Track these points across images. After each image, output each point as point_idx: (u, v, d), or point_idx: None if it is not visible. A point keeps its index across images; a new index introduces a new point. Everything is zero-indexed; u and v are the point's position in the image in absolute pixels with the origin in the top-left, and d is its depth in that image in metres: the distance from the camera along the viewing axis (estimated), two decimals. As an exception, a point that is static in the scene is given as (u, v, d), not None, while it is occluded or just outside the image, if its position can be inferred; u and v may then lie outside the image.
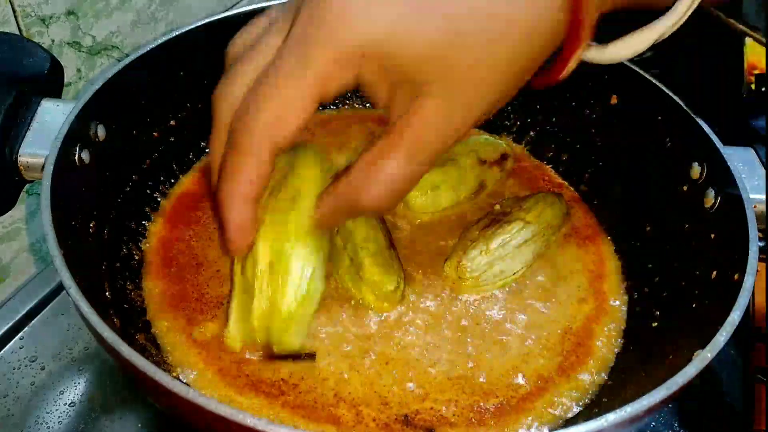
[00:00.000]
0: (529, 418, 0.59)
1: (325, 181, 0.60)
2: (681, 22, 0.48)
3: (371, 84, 0.44)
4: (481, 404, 0.59)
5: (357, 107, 0.91)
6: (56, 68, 0.66)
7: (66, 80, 0.72)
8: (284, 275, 0.57)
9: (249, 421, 0.42)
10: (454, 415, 0.58)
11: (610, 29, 0.49)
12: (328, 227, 0.56)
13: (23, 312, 0.78)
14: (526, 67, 0.45)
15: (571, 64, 0.46)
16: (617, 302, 0.70)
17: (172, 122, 0.78)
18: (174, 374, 0.60)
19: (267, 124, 0.44)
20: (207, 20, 0.76)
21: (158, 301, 0.66)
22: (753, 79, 0.88)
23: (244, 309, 0.59)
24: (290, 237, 0.57)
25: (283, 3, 0.48)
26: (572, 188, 0.82)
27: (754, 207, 0.59)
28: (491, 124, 0.88)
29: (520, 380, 0.61)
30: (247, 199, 0.47)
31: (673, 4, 0.47)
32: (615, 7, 0.46)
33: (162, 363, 0.61)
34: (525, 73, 0.45)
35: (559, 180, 0.83)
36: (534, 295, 0.69)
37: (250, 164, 0.45)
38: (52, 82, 0.66)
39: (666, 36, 0.49)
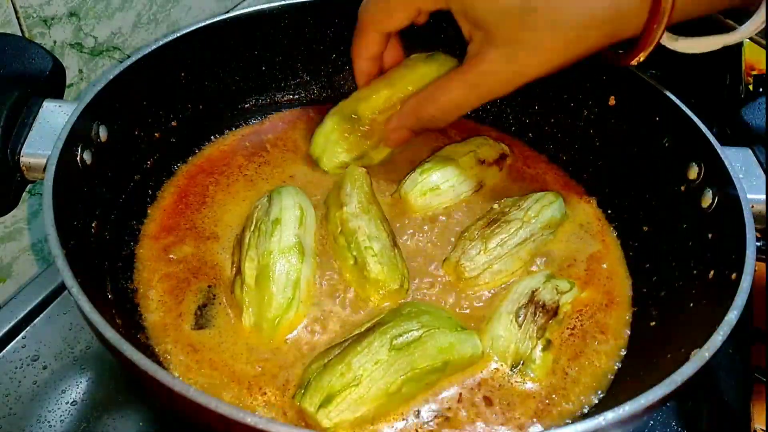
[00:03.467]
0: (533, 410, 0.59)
1: (303, 209, 0.68)
2: (744, 38, 0.53)
3: (457, 18, 0.55)
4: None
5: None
6: (58, 69, 0.67)
7: (68, 81, 0.72)
8: (269, 285, 0.62)
9: (249, 419, 0.43)
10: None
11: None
12: (396, 143, 0.73)
13: (25, 311, 0.79)
14: (592, 46, 0.50)
15: (647, 51, 0.51)
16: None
17: (173, 123, 0.78)
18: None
19: (376, 17, 0.65)
20: (208, 21, 0.77)
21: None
22: (751, 79, 0.88)
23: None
24: (273, 252, 0.64)
25: None
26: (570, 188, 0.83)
27: (752, 207, 0.60)
28: (490, 123, 0.89)
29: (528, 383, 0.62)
30: (363, 56, 0.71)
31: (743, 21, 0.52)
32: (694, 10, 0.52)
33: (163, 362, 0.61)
34: (589, 50, 0.51)
35: (560, 180, 0.83)
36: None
37: (365, 39, 0.68)
38: (54, 83, 0.66)
39: (729, 44, 0.55)
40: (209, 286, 0.67)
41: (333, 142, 0.77)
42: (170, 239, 0.71)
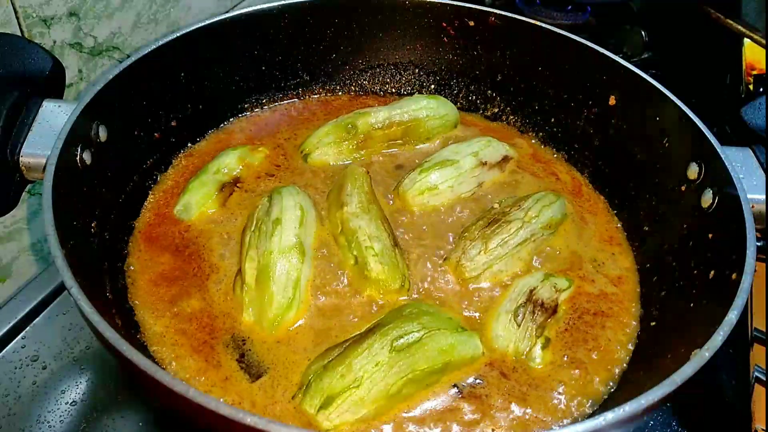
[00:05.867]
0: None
1: (303, 209, 0.68)
2: None
3: None
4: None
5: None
6: (58, 69, 0.67)
7: (67, 81, 0.72)
8: (269, 284, 0.62)
9: (249, 420, 0.43)
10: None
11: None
12: None
13: (25, 311, 0.78)
14: None
15: None
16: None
17: (173, 123, 0.78)
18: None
19: None
20: (207, 21, 0.77)
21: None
22: (751, 79, 0.88)
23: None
24: (273, 252, 0.64)
25: None
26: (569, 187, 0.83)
27: (752, 207, 0.60)
28: (493, 121, 0.89)
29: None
30: None
31: None
32: None
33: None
34: None
35: (560, 180, 0.83)
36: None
37: None
38: (53, 83, 0.66)
39: None
40: (232, 336, 0.63)
41: (325, 144, 0.80)
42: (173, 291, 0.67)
